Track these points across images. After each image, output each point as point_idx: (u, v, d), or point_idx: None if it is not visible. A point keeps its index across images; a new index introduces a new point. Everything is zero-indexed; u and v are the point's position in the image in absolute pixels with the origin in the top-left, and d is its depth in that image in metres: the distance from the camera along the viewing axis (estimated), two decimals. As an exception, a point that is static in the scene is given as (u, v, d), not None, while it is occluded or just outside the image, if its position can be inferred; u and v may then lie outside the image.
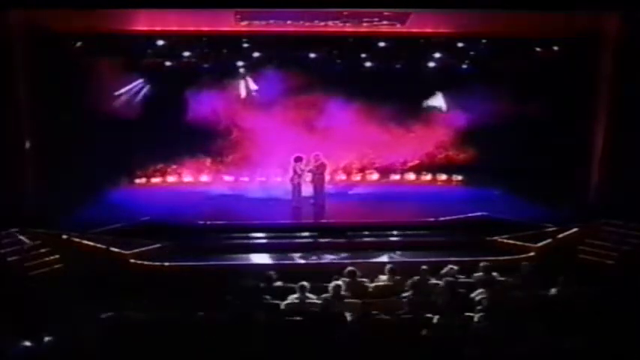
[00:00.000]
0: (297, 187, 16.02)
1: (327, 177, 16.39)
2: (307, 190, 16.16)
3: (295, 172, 15.93)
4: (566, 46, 15.81)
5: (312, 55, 17.91)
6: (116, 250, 12.89)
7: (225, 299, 10.32)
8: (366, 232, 14.53)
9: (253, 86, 18.58)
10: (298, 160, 15.98)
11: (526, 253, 13.33)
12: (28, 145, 14.38)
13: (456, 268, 10.95)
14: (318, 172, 15.88)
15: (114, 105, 16.99)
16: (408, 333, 8.40)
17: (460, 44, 17.73)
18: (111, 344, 9.09)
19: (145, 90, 18.20)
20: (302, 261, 13.12)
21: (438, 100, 19.07)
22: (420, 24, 15.93)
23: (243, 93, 18.54)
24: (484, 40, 17.52)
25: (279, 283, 10.61)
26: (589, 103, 15.56)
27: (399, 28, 15.60)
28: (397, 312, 9.15)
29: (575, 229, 14.09)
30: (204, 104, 17.19)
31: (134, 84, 18.00)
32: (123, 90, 17.63)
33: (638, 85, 14.21)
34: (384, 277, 10.81)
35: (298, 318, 8.78)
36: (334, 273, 10.83)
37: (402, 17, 15.07)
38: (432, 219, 14.89)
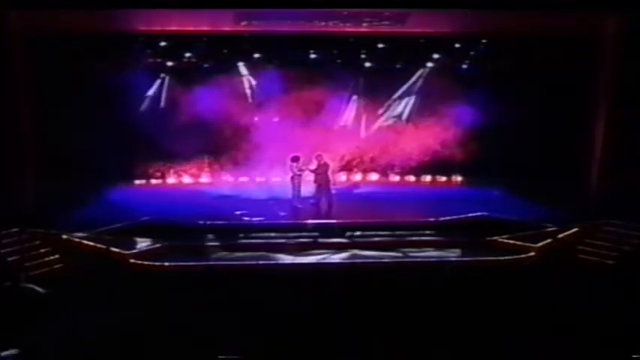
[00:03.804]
0: (297, 187, 16.02)
1: (330, 176, 16.36)
2: (308, 189, 16.16)
3: (294, 171, 15.93)
4: (566, 46, 15.81)
5: (312, 55, 17.95)
6: (116, 250, 12.88)
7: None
8: (367, 232, 14.51)
9: (253, 86, 18.59)
10: (295, 159, 15.98)
11: (526, 253, 13.33)
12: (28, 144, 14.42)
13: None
14: (322, 172, 15.86)
15: (114, 105, 16.97)
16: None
17: (460, 44, 17.79)
18: (110, 344, 9.11)
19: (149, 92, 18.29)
20: (303, 261, 13.12)
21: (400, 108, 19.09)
22: (420, 24, 15.95)
23: (243, 93, 18.53)
24: (484, 40, 17.56)
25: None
26: (589, 103, 15.56)
27: (399, 28, 15.61)
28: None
29: (575, 229, 14.09)
30: (203, 104, 17.17)
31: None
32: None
33: (638, 85, 14.22)
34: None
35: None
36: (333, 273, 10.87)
37: (402, 17, 15.08)
38: (432, 219, 14.89)
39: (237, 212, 15.55)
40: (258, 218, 15.09)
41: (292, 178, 16.02)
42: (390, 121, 19.06)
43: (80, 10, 13.72)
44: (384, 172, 19.38)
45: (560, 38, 15.67)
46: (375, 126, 19.15)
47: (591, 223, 14.16)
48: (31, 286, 11.27)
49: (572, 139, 15.89)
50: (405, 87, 18.84)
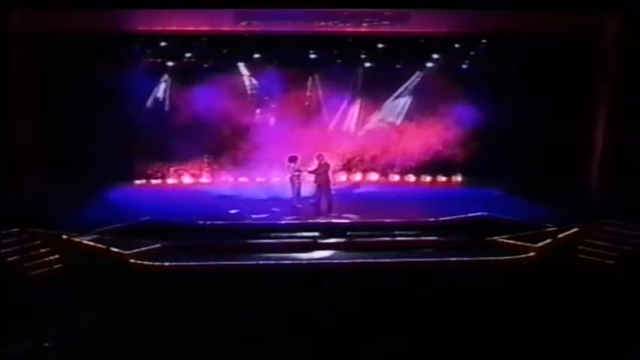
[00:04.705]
0: (296, 187, 16.02)
1: (330, 176, 16.33)
2: (308, 189, 16.16)
3: (292, 172, 15.92)
4: (567, 46, 15.82)
5: (312, 55, 17.97)
6: (116, 250, 12.88)
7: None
8: (366, 232, 14.51)
9: (253, 86, 18.60)
10: (292, 160, 15.97)
11: (526, 253, 13.33)
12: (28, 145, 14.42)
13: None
14: (322, 172, 15.85)
15: (114, 105, 16.97)
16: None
17: (460, 44, 17.80)
18: (110, 344, 9.11)
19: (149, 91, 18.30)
20: (302, 261, 13.11)
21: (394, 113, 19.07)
22: (420, 24, 15.95)
23: (243, 93, 18.54)
24: (484, 40, 17.57)
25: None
26: (589, 103, 15.56)
27: (399, 28, 15.61)
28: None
29: (575, 229, 14.07)
30: (203, 104, 17.17)
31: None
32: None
33: (638, 85, 14.22)
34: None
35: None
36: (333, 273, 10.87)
37: (402, 17, 15.07)
38: (432, 219, 14.88)
39: (237, 212, 15.57)
40: (258, 217, 15.10)
41: (291, 178, 16.02)
42: (390, 121, 19.06)
43: (80, 10, 13.73)
44: (384, 172, 19.39)
45: (560, 38, 15.69)
46: (375, 126, 19.16)
47: (591, 223, 14.14)
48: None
49: (572, 139, 15.88)
50: (404, 87, 18.86)
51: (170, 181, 18.97)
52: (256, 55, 17.94)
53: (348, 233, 14.33)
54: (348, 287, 11.32)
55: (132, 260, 12.71)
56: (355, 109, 19.08)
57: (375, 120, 19.17)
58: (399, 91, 18.90)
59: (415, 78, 18.75)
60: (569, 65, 15.79)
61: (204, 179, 19.03)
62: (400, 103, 19.02)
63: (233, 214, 15.46)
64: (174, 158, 18.61)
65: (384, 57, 18.06)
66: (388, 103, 19.03)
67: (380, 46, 17.70)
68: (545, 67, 16.34)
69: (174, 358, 9.14)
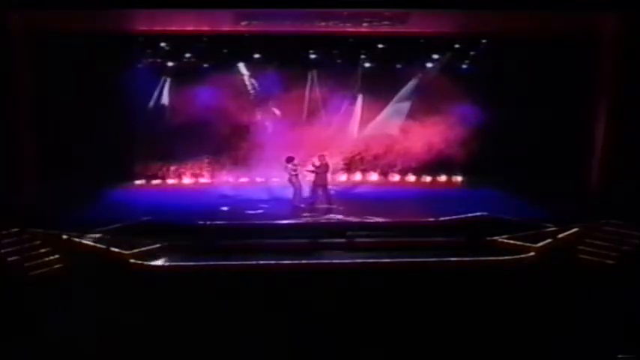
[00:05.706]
0: (297, 187, 16.02)
1: (329, 177, 16.32)
2: (308, 190, 16.16)
3: (289, 172, 15.93)
4: (567, 46, 15.82)
5: (312, 55, 17.99)
6: (116, 250, 12.88)
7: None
8: (366, 232, 14.51)
9: (253, 86, 18.60)
10: (289, 160, 15.98)
11: (526, 253, 13.33)
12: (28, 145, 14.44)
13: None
14: (322, 172, 15.85)
15: (114, 105, 16.97)
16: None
17: (460, 44, 17.82)
18: (110, 344, 9.10)
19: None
20: (302, 261, 13.11)
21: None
22: (420, 24, 15.96)
23: (243, 93, 18.54)
24: (484, 40, 17.58)
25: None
26: (589, 103, 15.56)
27: (399, 28, 15.62)
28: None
29: (575, 229, 14.08)
30: (203, 104, 17.18)
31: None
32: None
33: (638, 85, 14.23)
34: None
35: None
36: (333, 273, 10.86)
37: (402, 17, 15.08)
38: (432, 219, 14.88)
39: (234, 210, 15.57)
40: (259, 218, 15.10)
41: (289, 178, 16.03)
42: (390, 121, 19.07)
43: (80, 10, 13.73)
44: (384, 171, 19.39)
45: (560, 38, 15.69)
46: (375, 126, 19.16)
47: (591, 223, 14.15)
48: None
49: (572, 138, 15.88)
50: (404, 87, 18.87)
51: (170, 181, 18.97)
52: (256, 55, 17.95)
53: (348, 233, 14.33)
54: (348, 287, 11.31)
55: (132, 260, 12.72)
56: (355, 109, 19.08)
57: (374, 120, 19.16)
58: (399, 91, 18.90)
59: (415, 78, 18.76)
60: (569, 65, 15.80)
61: (204, 179, 19.03)
62: (400, 103, 19.01)
63: (233, 214, 15.45)
64: (174, 158, 18.60)
65: (384, 57, 18.07)
66: (388, 103, 19.03)
67: (380, 46, 17.72)
68: (545, 67, 16.35)
69: (174, 358, 9.15)
